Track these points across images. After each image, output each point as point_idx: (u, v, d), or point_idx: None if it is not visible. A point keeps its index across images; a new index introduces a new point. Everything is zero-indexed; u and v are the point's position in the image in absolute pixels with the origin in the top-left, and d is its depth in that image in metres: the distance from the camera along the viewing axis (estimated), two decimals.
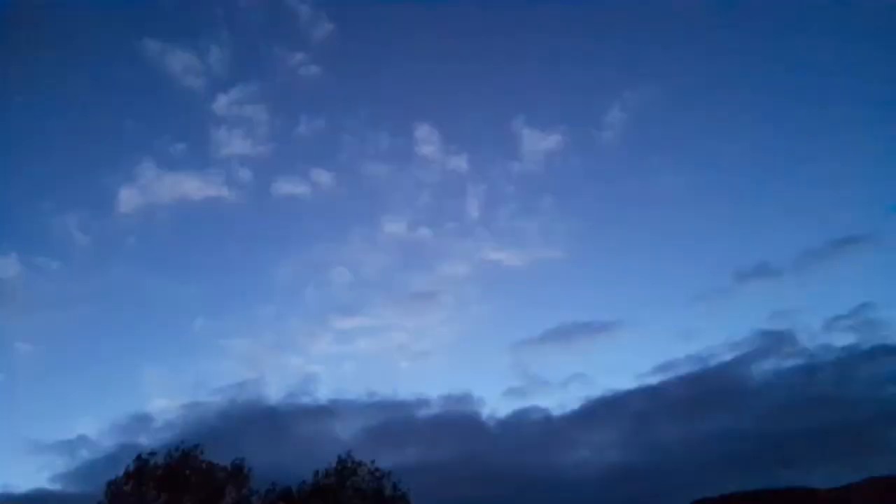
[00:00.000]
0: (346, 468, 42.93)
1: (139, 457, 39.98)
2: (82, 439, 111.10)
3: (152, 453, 40.24)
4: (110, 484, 39.53)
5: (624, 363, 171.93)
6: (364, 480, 42.95)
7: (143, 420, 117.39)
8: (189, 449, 40.45)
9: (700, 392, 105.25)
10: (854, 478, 64.74)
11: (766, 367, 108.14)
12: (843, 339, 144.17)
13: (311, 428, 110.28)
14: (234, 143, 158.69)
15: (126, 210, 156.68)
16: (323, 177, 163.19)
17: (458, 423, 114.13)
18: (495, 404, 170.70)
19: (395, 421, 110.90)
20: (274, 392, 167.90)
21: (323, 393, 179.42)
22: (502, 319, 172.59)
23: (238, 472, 40.83)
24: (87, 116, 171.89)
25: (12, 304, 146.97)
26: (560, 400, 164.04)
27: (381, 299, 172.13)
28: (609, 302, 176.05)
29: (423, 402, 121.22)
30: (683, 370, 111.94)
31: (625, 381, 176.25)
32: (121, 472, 39.91)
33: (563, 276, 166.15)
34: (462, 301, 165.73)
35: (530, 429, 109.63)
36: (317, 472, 42.73)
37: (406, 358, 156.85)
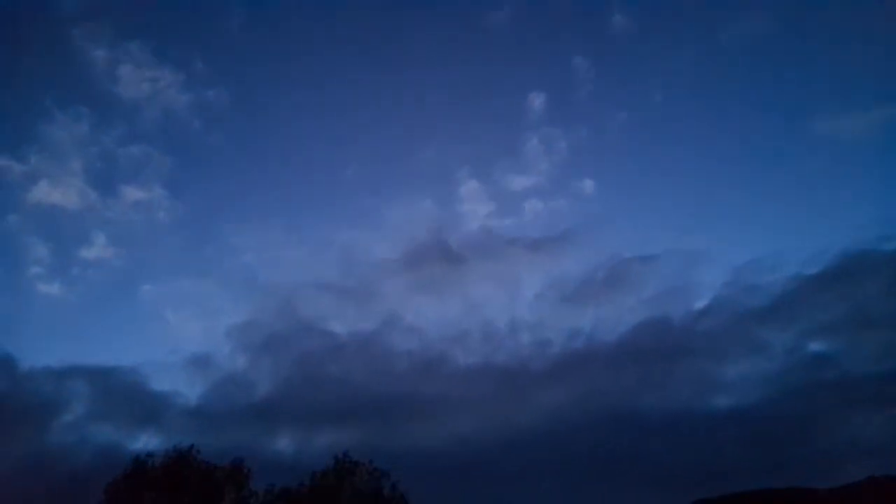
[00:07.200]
0: (344, 468, 42.75)
1: (136, 458, 39.94)
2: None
3: (150, 454, 40.20)
4: (108, 486, 39.41)
5: None
6: (362, 481, 42.75)
7: None
8: (186, 449, 40.30)
9: None
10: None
11: None
12: None
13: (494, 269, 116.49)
14: None
15: None
16: None
17: (665, 288, 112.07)
18: (721, 259, 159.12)
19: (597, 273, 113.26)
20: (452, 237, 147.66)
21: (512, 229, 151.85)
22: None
23: (237, 472, 40.63)
24: None
25: (134, 120, 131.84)
26: (807, 253, 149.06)
27: (586, 131, 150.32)
28: None
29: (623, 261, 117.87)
30: None
31: None
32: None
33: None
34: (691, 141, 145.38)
35: (746, 300, 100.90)
36: (314, 473, 42.60)
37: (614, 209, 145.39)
